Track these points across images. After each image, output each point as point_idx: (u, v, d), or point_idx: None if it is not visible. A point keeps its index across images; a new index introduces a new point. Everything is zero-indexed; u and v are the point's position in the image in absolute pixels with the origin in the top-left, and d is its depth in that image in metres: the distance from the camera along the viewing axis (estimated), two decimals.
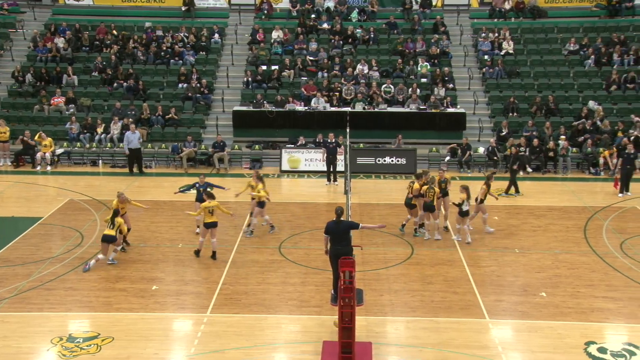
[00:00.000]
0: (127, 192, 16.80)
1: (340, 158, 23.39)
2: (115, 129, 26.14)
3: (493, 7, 32.35)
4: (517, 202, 20.98)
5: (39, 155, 24.91)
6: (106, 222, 15.80)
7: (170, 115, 26.84)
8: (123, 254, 16.24)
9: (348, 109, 26.40)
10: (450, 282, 14.87)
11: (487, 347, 12.16)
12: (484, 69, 29.18)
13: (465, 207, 16.95)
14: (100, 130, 26.30)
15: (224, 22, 32.45)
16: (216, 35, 31.23)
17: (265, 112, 26.49)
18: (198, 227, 16.94)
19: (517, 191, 21.60)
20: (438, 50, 29.58)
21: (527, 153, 24.46)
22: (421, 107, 26.59)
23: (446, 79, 28.08)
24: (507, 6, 32.17)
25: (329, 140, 23.39)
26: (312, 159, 25.02)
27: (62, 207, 20.18)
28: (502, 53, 29.71)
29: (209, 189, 16.51)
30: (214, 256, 16.04)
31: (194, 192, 17.62)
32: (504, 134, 25.53)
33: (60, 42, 30.20)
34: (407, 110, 26.70)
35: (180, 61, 29.71)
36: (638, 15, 31.69)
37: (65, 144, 26.10)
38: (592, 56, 29.02)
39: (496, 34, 30.42)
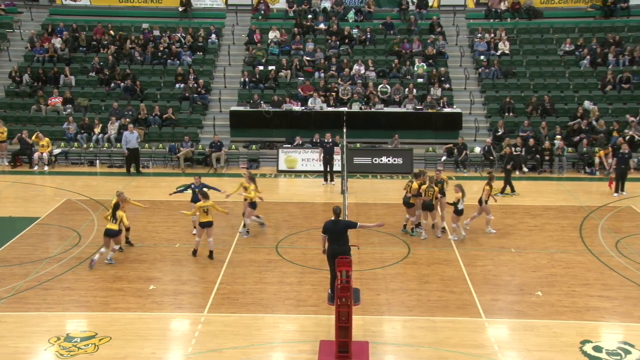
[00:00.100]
0: (125, 192, 16.78)
1: (337, 158, 23.43)
2: (113, 129, 26.16)
3: (489, 8, 32.43)
4: (513, 201, 21.04)
5: (36, 155, 24.93)
6: (107, 219, 15.84)
7: (167, 115, 26.86)
8: (120, 254, 16.25)
9: (345, 109, 26.44)
10: (447, 282, 14.92)
11: (484, 346, 12.21)
12: (480, 69, 29.26)
13: (460, 206, 17.03)
14: (97, 130, 26.31)
15: (221, 22, 32.47)
16: (213, 36, 31.25)
17: (262, 112, 26.53)
18: (195, 227, 16.96)
19: (512, 190, 21.69)
20: (434, 50, 29.65)
21: (523, 153, 24.55)
22: (418, 107, 26.66)
23: (442, 79, 28.16)
24: (503, 7, 32.25)
25: (325, 140, 23.44)
26: (309, 158, 25.08)
27: (60, 207, 20.19)
28: (498, 53, 29.80)
29: (204, 189, 16.55)
30: (211, 256, 16.07)
31: (189, 192, 17.65)
32: (500, 133, 25.61)
33: (57, 42, 30.21)
34: (404, 110, 26.77)
35: (178, 61, 29.73)
36: (633, 16, 31.80)
37: (62, 144, 26.10)
38: (588, 56, 29.13)
39: (492, 35, 30.51)
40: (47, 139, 25.22)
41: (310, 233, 17.95)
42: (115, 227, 15.58)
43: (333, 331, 11.62)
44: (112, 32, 30.98)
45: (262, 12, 32.42)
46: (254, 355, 11.86)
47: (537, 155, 24.63)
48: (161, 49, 30.05)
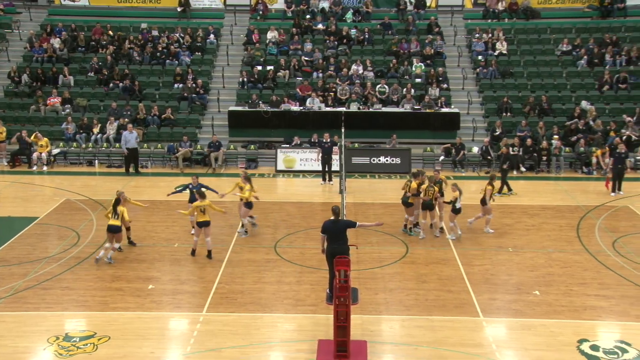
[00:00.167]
0: (124, 192, 16.80)
1: (335, 157, 23.48)
2: (111, 129, 26.20)
3: (487, 8, 32.48)
4: (511, 201, 21.09)
5: (35, 155, 24.96)
6: (108, 216, 15.92)
7: (166, 115, 26.89)
8: (119, 254, 16.31)
9: (343, 109, 26.47)
10: (445, 281, 14.97)
11: (481, 345, 12.25)
12: (477, 69, 29.32)
13: (458, 205, 17.12)
14: (96, 130, 26.34)
15: (220, 22, 32.50)
16: (212, 36, 31.28)
17: (261, 112, 26.58)
18: (193, 227, 17.00)
19: (509, 189, 21.75)
20: (432, 50, 29.70)
21: (521, 153, 24.63)
22: (415, 107, 26.72)
23: (440, 79, 28.21)
24: (500, 7, 32.31)
25: (324, 140, 23.49)
26: (307, 158, 25.11)
27: (59, 207, 20.23)
28: (495, 53, 29.86)
29: (202, 189, 16.59)
30: (209, 255, 16.12)
31: (187, 192, 17.66)
32: (497, 133, 25.67)
33: (56, 42, 30.24)
34: (402, 110, 26.82)
35: (176, 61, 29.76)
36: (630, 16, 31.86)
37: (61, 144, 26.13)
38: (585, 57, 29.18)
39: (490, 35, 30.56)
40: (45, 139, 25.26)
41: (308, 233, 18.00)
42: (117, 222, 15.70)
43: (331, 330, 11.66)
44: (110, 32, 30.99)
45: (261, 12, 32.46)
46: (253, 354, 11.89)
47: (535, 155, 24.70)
48: (160, 49, 30.08)
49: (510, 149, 24.13)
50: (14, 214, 19.76)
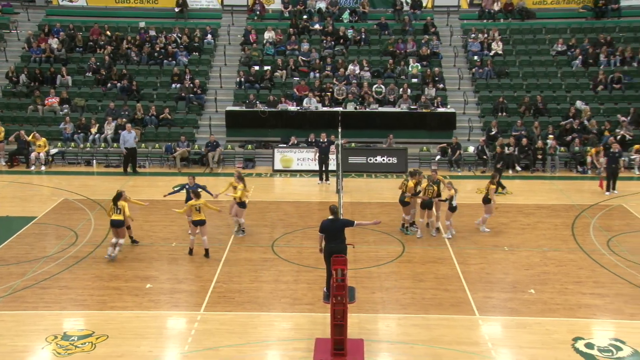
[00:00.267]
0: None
1: (332, 157, 23.56)
2: (109, 129, 26.25)
3: (482, 9, 32.59)
4: (506, 200, 21.16)
5: (33, 155, 25.00)
6: (110, 213, 16.01)
7: (163, 115, 26.95)
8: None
9: (340, 109, 26.56)
10: (441, 280, 15.05)
11: (477, 343, 12.33)
12: (473, 69, 29.43)
13: (454, 203, 17.26)
14: (94, 130, 26.38)
15: (217, 22, 32.53)
16: (209, 36, 31.33)
17: (258, 112, 26.64)
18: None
19: (502, 188, 21.82)
20: (428, 50, 29.79)
21: (516, 152, 24.75)
22: (412, 107, 26.81)
23: (436, 79, 28.31)
24: (496, 7, 32.42)
25: (321, 140, 23.57)
26: (305, 158, 25.19)
27: (57, 207, 20.29)
28: (491, 54, 29.97)
29: (199, 190, 16.67)
30: (207, 254, 16.20)
31: (184, 192, 17.69)
32: (493, 133, 25.77)
33: (54, 42, 30.26)
34: (398, 110, 26.91)
35: (174, 62, 29.81)
36: (624, 17, 32.01)
37: (59, 144, 26.17)
38: (580, 57, 29.31)
39: (485, 35, 30.67)
40: (44, 138, 25.30)
41: (305, 232, 18.08)
42: (120, 217, 15.82)
43: (328, 329, 11.73)
44: (108, 32, 31.03)
45: (258, 12, 32.52)
46: (250, 353, 11.95)
47: (530, 155, 24.82)
48: (157, 49, 30.13)
49: (506, 148, 24.25)
50: (12, 213, 19.81)
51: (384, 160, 25.24)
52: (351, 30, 31.05)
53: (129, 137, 24.36)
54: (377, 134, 26.29)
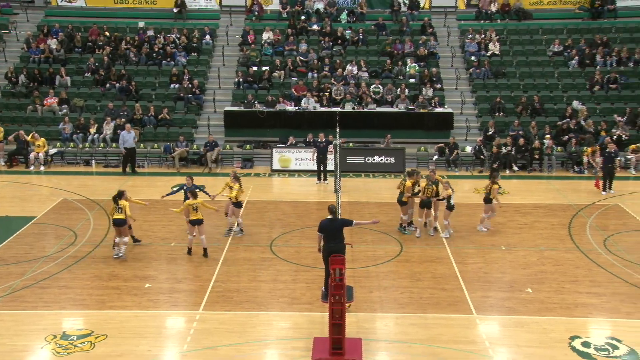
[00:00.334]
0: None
1: (330, 157, 23.62)
2: (108, 129, 26.31)
3: (479, 9, 32.68)
4: (504, 200, 21.08)
5: (32, 155, 25.04)
6: (112, 213, 16.07)
7: (162, 115, 27.01)
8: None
9: (338, 109, 26.61)
10: (439, 279, 15.09)
11: (475, 342, 12.36)
12: (470, 70, 29.51)
13: (452, 202, 17.34)
14: (93, 130, 26.43)
15: (215, 23, 32.59)
16: (207, 37, 31.39)
17: (256, 112, 26.70)
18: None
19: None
20: (426, 51, 29.87)
21: (513, 152, 24.85)
22: (409, 107, 26.89)
23: (434, 79, 28.39)
24: (493, 8, 32.51)
25: (319, 140, 23.63)
26: (303, 158, 25.26)
27: (56, 207, 20.32)
28: (488, 54, 30.06)
29: (197, 191, 16.72)
30: (205, 253, 16.24)
31: (182, 192, 17.77)
32: (490, 133, 25.85)
33: (53, 43, 30.29)
34: (396, 110, 26.99)
35: (172, 62, 29.87)
36: (620, 18, 32.14)
37: (58, 144, 26.23)
38: (576, 57, 29.41)
39: (483, 35, 30.75)
40: (43, 139, 25.34)
41: (304, 231, 18.13)
42: (121, 216, 15.88)
43: (326, 328, 11.76)
44: (107, 33, 31.07)
45: (256, 13, 32.59)
46: (249, 352, 11.98)
47: (527, 154, 24.92)
48: (156, 49, 30.19)
49: (503, 148, 24.32)
50: (12, 213, 19.84)
51: (381, 160, 25.31)
52: (349, 31, 31.11)
53: (129, 137, 24.42)
54: (375, 134, 26.35)
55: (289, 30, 31.04)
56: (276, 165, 25.38)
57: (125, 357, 11.76)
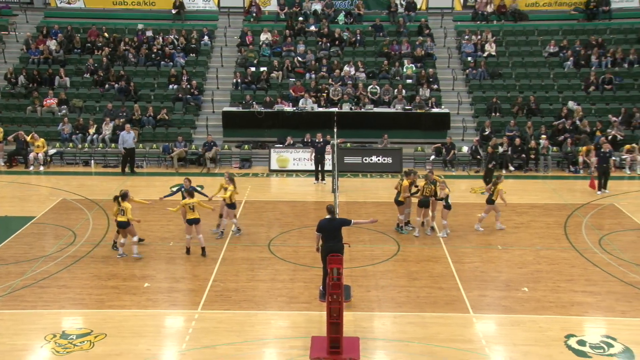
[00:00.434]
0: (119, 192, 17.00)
1: (327, 157, 23.71)
2: (107, 129, 26.37)
3: (476, 10, 32.77)
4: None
5: (31, 155, 25.07)
6: (115, 213, 16.15)
7: (161, 116, 27.07)
8: (114, 252, 16.50)
9: (335, 109, 26.71)
10: (436, 278, 15.16)
11: (472, 340, 12.43)
12: (467, 70, 29.61)
13: (449, 201, 17.46)
14: (92, 131, 26.47)
15: (214, 24, 32.65)
16: (206, 38, 31.46)
17: (254, 113, 26.77)
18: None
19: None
20: (423, 52, 29.96)
21: (509, 152, 24.95)
22: (406, 108, 26.98)
23: (431, 80, 28.48)
24: (489, 9, 32.62)
25: (316, 140, 23.72)
26: (301, 158, 25.33)
27: (55, 207, 20.35)
28: (484, 55, 30.15)
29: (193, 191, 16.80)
30: (204, 252, 16.30)
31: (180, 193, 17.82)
32: (487, 133, 25.94)
33: (52, 44, 30.33)
34: (393, 110, 27.08)
35: (171, 63, 29.94)
36: (615, 19, 32.26)
37: (57, 144, 26.26)
38: (571, 58, 29.50)
39: (479, 37, 30.84)
40: (42, 139, 25.38)
41: (302, 231, 18.19)
42: (123, 218, 15.97)
43: (324, 327, 11.83)
44: (106, 34, 31.11)
45: (254, 14, 32.66)
46: (247, 351, 12.02)
47: (523, 155, 25.02)
48: (155, 50, 30.25)
49: (499, 148, 24.42)
50: (11, 213, 19.87)
51: (379, 160, 25.40)
52: (346, 32, 31.20)
53: (128, 137, 24.49)
54: (372, 134, 26.42)
55: (287, 31, 31.13)
56: (274, 166, 25.46)
57: (124, 356, 11.81)
